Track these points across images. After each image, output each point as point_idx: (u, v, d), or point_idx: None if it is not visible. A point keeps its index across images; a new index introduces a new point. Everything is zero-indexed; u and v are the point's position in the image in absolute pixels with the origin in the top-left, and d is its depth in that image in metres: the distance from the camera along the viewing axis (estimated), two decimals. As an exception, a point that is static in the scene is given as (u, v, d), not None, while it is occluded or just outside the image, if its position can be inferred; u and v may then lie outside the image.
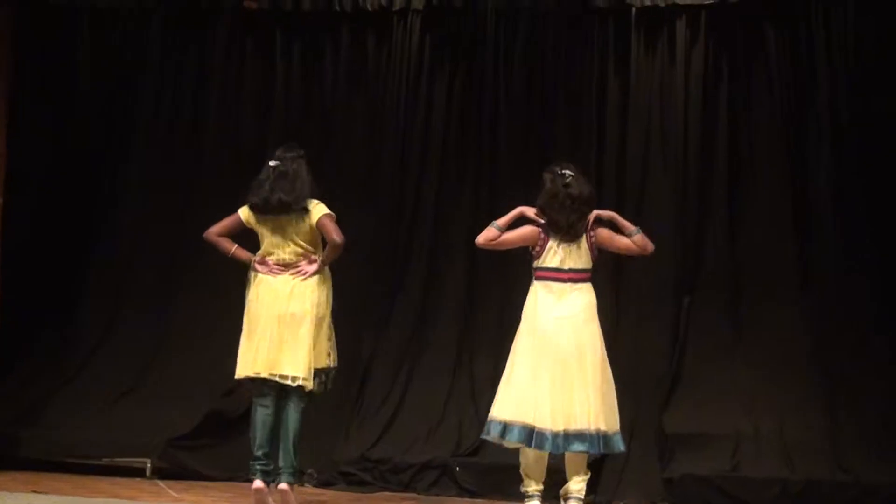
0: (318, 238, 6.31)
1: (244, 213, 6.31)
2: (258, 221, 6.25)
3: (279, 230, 6.22)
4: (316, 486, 7.33)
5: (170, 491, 6.59)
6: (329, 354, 6.26)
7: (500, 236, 5.94)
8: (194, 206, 8.52)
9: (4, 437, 7.55)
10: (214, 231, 6.37)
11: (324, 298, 6.26)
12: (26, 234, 8.61)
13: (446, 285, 8.21)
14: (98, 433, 7.62)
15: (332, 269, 6.44)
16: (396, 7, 8.37)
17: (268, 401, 6.10)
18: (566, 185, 5.85)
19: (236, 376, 6.24)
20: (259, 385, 6.11)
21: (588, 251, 5.84)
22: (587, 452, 5.57)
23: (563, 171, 5.87)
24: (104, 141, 8.76)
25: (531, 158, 8.21)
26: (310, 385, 6.06)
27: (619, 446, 5.59)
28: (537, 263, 5.89)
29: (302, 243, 6.24)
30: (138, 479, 7.18)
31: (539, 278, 5.88)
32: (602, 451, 5.58)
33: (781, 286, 7.78)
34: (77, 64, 8.79)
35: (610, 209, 7.92)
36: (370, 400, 7.92)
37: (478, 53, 8.34)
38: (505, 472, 6.85)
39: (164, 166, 8.69)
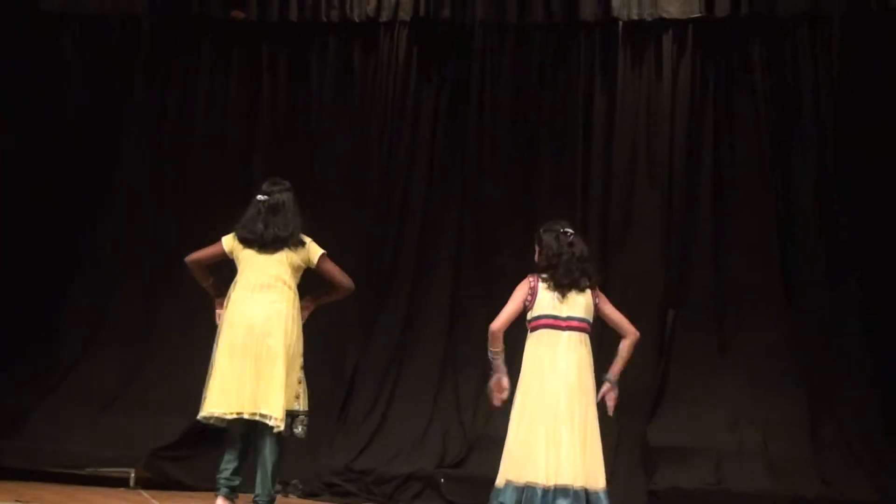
0: (301, 273, 6.21)
1: (228, 243, 6.15)
2: (244, 254, 6.09)
3: (267, 263, 6.07)
4: (300, 496, 7.32)
5: (153, 501, 6.57)
6: (298, 397, 6.04)
7: (501, 327, 5.73)
8: (179, 216, 8.52)
9: (-14, 446, 7.51)
10: (198, 259, 6.21)
11: (297, 337, 6.12)
12: (10, 245, 8.57)
13: (431, 297, 8.22)
14: (81, 444, 7.58)
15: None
16: (384, 18, 8.40)
17: (242, 427, 6.00)
18: (570, 245, 5.75)
19: (211, 412, 5.95)
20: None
21: (591, 305, 5.71)
22: None
23: (566, 230, 5.78)
24: (91, 150, 8.74)
25: (517, 171, 8.25)
26: (281, 426, 5.94)
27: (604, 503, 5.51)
28: (531, 314, 5.65)
29: (286, 277, 6.10)
30: (122, 490, 7.15)
31: (534, 329, 5.65)
32: None
33: (766, 301, 7.82)
34: (66, 70, 8.80)
35: (596, 224, 8.00)
36: (355, 410, 7.91)
37: (465, 65, 8.36)
38: (490, 485, 6.83)
39: (149, 176, 8.67)
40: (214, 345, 6.05)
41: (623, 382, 7.67)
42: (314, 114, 8.57)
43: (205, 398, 5.94)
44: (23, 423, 7.85)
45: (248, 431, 5.99)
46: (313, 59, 8.61)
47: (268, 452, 5.93)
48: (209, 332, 7.93)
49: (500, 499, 5.41)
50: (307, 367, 6.08)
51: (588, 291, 5.71)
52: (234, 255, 6.15)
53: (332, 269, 6.25)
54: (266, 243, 6.07)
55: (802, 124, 7.93)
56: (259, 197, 6.19)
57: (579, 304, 5.66)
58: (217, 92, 8.68)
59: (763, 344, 7.70)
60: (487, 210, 8.26)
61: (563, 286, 5.66)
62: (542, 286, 5.66)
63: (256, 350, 5.93)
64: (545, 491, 5.33)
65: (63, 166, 8.69)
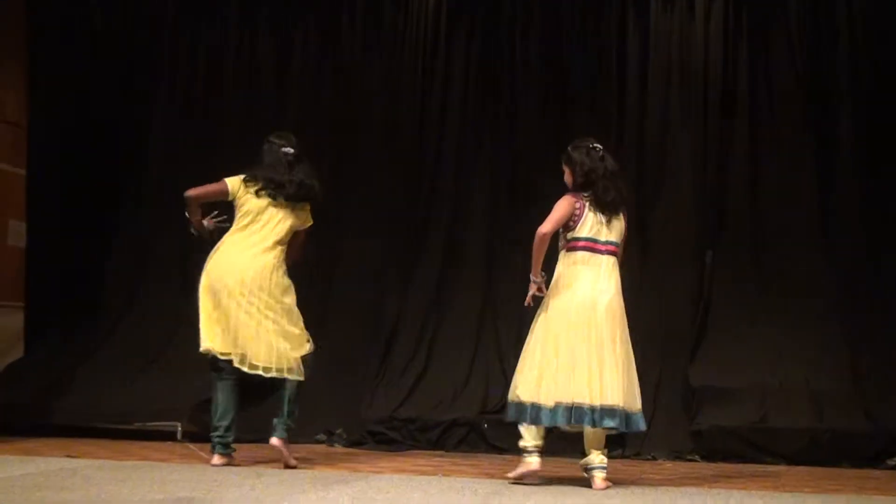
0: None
1: (235, 186, 6.08)
2: (255, 203, 6.03)
3: (275, 217, 6.05)
4: (345, 446, 7.38)
5: (200, 453, 6.62)
6: (309, 341, 6.12)
7: (550, 231, 5.57)
8: (213, 178, 8.53)
9: (36, 405, 7.62)
10: (198, 196, 6.11)
11: (288, 284, 6.12)
12: (50, 208, 8.66)
13: (468, 246, 8.23)
14: (128, 400, 7.67)
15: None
16: (412, -29, 8.35)
17: (233, 375, 6.06)
18: (602, 159, 5.70)
19: (216, 349, 6.04)
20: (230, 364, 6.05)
21: (623, 229, 5.68)
22: (615, 429, 5.48)
23: (594, 145, 5.71)
24: (123, 113, 8.77)
25: (550, 120, 8.23)
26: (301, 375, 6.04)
27: (641, 425, 5.50)
28: (572, 234, 5.55)
29: (285, 236, 6.09)
30: (169, 443, 7.24)
31: (573, 249, 5.56)
32: (626, 429, 5.47)
33: (803, 238, 7.79)
34: (95, 33, 8.79)
35: (632, 167, 7.97)
36: (396, 360, 7.96)
37: (495, 13, 8.29)
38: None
39: (182, 138, 8.70)
40: (200, 285, 6.08)
41: (662, 324, 7.77)
42: (345, 70, 8.54)
43: (208, 335, 6.03)
44: (71, 383, 7.95)
45: (240, 383, 6.05)
46: (343, 13, 8.56)
47: (290, 391, 6.04)
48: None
49: (551, 421, 5.38)
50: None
51: (623, 213, 5.67)
52: (240, 200, 6.08)
53: (304, 240, 6.28)
54: (290, 194, 6.05)
55: (838, 58, 7.84)
56: (284, 148, 6.13)
57: (616, 228, 5.62)
58: (246, 50, 8.67)
59: (802, 281, 7.68)
60: (521, 157, 8.24)
61: (605, 204, 5.58)
62: (586, 206, 5.58)
63: (251, 303, 5.94)
64: (592, 409, 5.34)
65: (96, 131, 8.73)
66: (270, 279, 6.02)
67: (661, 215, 7.93)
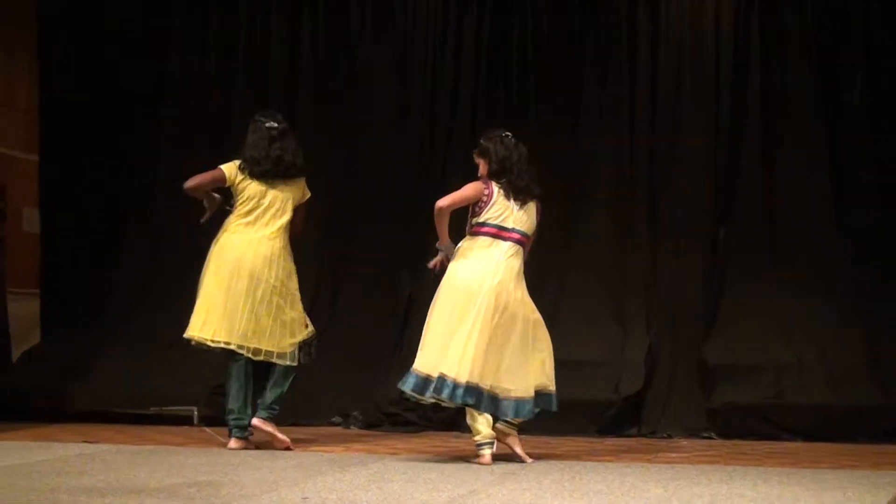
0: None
1: (231, 171, 6.10)
2: (250, 185, 6.05)
3: (274, 196, 6.08)
4: (361, 427, 7.39)
5: (217, 437, 6.67)
6: (307, 325, 6.19)
7: (442, 210, 5.58)
8: (226, 156, 8.53)
9: (53, 391, 7.65)
10: (198, 186, 6.10)
11: (292, 270, 6.19)
12: (63, 195, 8.69)
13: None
14: (144, 384, 7.70)
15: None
16: (422, -52, 8.32)
17: (243, 358, 6.08)
18: (516, 146, 5.71)
19: (218, 339, 6.06)
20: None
21: (534, 220, 5.67)
22: (471, 405, 5.49)
23: (506, 134, 5.73)
24: (134, 99, 8.76)
25: (563, 94, 8.19)
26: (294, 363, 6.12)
27: (522, 412, 5.51)
28: (477, 219, 5.57)
29: (288, 211, 6.14)
30: (186, 427, 7.28)
31: (476, 234, 5.58)
32: (481, 409, 5.48)
33: (817, 213, 7.76)
34: (103, 20, 8.84)
35: (644, 144, 7.96)
36: (411, 340, 7.91)
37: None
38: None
39: (194, 124, 8.70)
40: (205, 270, 6.15)
41: (676, 302, 7.77)
42: (355, 46, 8.52)
43: (203, 322, 6.07)
44: (87, 368, 7.97)
45: (254, 366, 6.10)
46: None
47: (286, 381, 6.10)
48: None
49: (403, 386, 5.49)
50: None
51: (535, 203, 5.67)
52: (239, 186, 6.10)
53: (305, 214, 6.32)
54: (279, 172, 6.07)
55: (851, 37, 7.79)
56: (267, 124, 6.13)
57: (527, 218, 5.64)
58: (257, 29, 8.65)
59: (816, 256, 7.66)
60: (534, 135, 8.20)
61: (519, 189, 5.61)
62: (497, 191, 5.60)
63: (258, 289, 6.01)
64: (454, 384, 5.35)
65: (108, 117, 8.74)
66: (279, 264, 6.04)
67: (672, 193, 7.91)
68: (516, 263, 5.61)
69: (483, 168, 5.75)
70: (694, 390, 7.50)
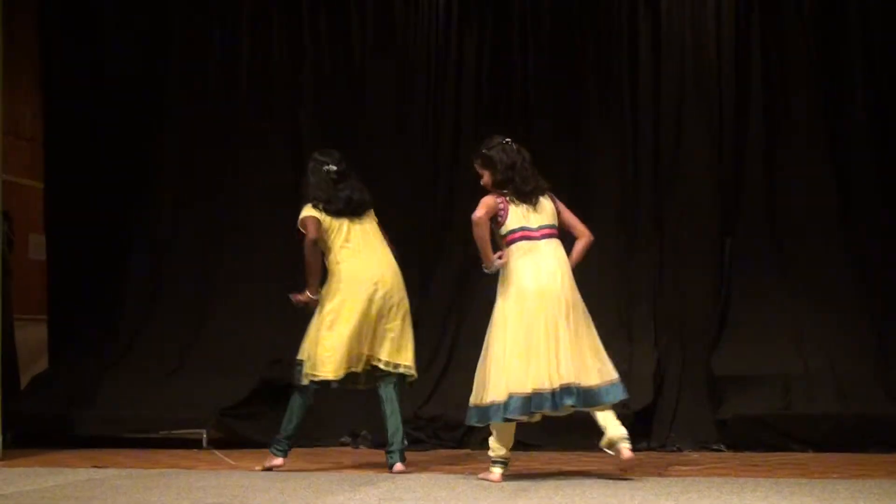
0: None
1: (314, 211, 6.07)
2: (337, 224, 6.07)
3: (364, 227, 6.15)
4: (370, 447, 7.37)
5: (227, 459, 6.66)
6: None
7: (480, 219, 5.51)
8: (231, 179, 8.60)
9: (61, 417, 7.65)
10: (316, 231, 6.02)
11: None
12: (68, 220, 8.71)
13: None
14: (153, 408, 7.69)
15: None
16: (423, -40, 8.36)
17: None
18: (518, 151, 5.70)
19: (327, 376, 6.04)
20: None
21: (554, 211, 5.66)
22: (574, 407, 5.46)
23: (506, 140, 5.70)
24: (137, 125, 8.77)
25: (565, 108, 8.21)
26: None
27: (603, 398, 5.45)
28: (504, 229, 5.56)
29: (381, 235, 6.25)
30: (195, 450, 7.26)
31: (510, 243, 5.56)
32: (583, 405, 5.44)
33: (822, 220, 7.76)
34: (107, 34, 8.83)
35: (647, 156, 7.97)
36: (418, 359, 7.92)
37: (506, 4, 8.29)
38: (558, 424, 6.86)
39: (197, 147, 8.72)
40: (329, 305, 6.03)
41: (683, 313, 7.76)
42: (357, 65, 8.54)
43: (320, 360, 5.98)
44: (95, 393, 7.96)
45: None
46: (353, 12, 8.57)
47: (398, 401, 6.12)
48: (266, 295, 8.10)
49: (507, 414, 5.38)
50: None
51: (548, 196, 5.66)
52: (325, 232, 6.10)
53: (388, 236, 6.40)
54: (350, 211, 6.14)
55: (852, 40, 7.80)
56: (326, 167, 6.18)
57: (546, 211, 5.62)
58: (259, 48, 8.67)
59: (823, 266, 7.65)
60: (537, 149, 8.20)
61: (526, 194, 5.60)
62: (508, 202, 5.58)
63: (382, 305, 6.05)
64: (552, 393, 5.34)
65: (111, 143, 8.75)
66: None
67: (677, 204, 7.91)
68: (562, 253, 5.61)
69: (487, 178, 5.71)
70: (703, 402, 7.48)
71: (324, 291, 6.07)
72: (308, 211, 6.10)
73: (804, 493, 4.88)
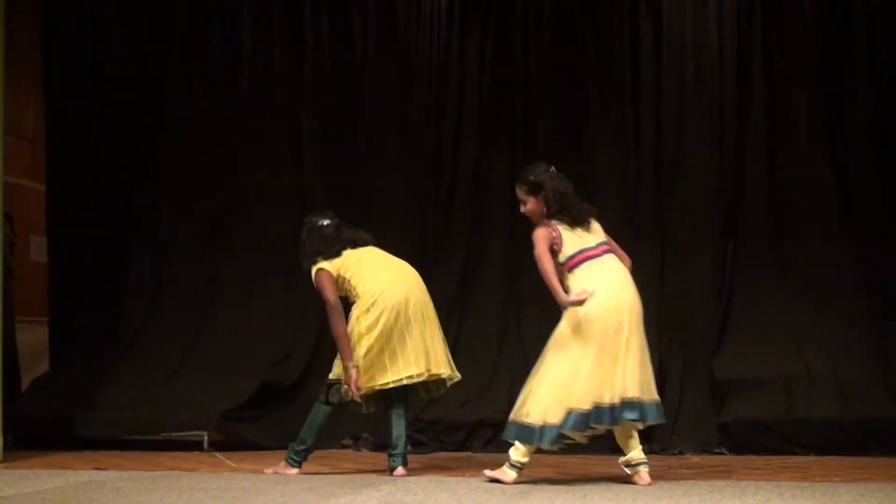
0: None
1: (330, 267, 6.01)
2: (353, 263, 6.03)
3: (364, 251, 6.14)
4: (372, 449, 7.37)
5: (228, 462, 6.65)
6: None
7: (542, 255, 5.43)
8: (231, 181, 8.60)
9: (62, 419, 7.64)
10: (336, 293, 5.98)
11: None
12: (70, 223, 8.71)
13: (488, 244, 8.22)
14: (153, 411, 7.68)
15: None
16: (424, -35, 8.36)
17: None
18: (564, 179, 5.61)
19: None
20: None
21: (600, 228, 5.62)
22: (636, 420, 5.44)
23: (551, 169, 5.65)
24: (139, 127, 8.78)
25: (567, 111, 8.21)
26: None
27: (659, 417, 5.44)
28: (563, 257, 5.49)
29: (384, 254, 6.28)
30: (196, 452, 7.26)
31: (572, 268, 5.49)
32: (642, 418, 5.42)
33: (823, 222, 7.77)
34: (108, 36, 8.83)
35: (649, 159, 7.96)
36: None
37: (507, 8, 8.29)
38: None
39: (199, 148, 8.72)
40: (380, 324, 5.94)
41: (684, 316, 7.75)
42: (358, 65, 8.54)
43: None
44: (96, 395, 7.97)
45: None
46: (355, 12, 8.57)
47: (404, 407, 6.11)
48: (268, 294, 8.10)
49: (564, 429, 5.34)
50: None
51: (591, 221, 5.63)
52: (342, 274, 6.03)
53: None
54: (356, 244, 6.13)
55: (854, 41, 7.81)
56: (321, 222, 6.15)
57: (596, 230, 5.60)
58: (261, 51, 8.68)
59: (824, 266, 7.65)
60: (539, 153, 8.21)
61: (577, 220, 5.54)
62: (562, 230, 5.51)
63: (425, 317, 6.05)
64: (612, 407, 5.32)
65: (113, 145, 8.75)
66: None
67: (679, 205, 7.91)
68: (621, 266, 5.58)
69: (532, 205, 5.60)
70: (704, 406, 7.47)
71: (358, 313, 5.95)
72: (317, 267, 6.01)
73: (806, 496, 4.88)
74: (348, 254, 6.08)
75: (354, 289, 5.99)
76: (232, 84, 8.69)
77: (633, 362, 5.38)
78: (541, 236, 5.50)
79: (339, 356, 5.94)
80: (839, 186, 7.76)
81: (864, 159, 7.75)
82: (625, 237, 7.94)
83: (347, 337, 5.90)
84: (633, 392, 5.36)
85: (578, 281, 5.47)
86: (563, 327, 5.48)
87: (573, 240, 5.52)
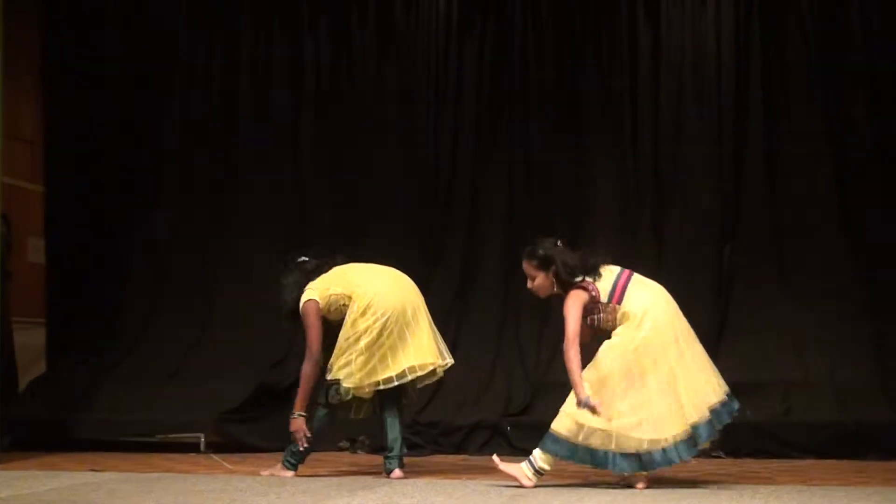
0: None
1: (318, 302, 5.90)
2: (342, 286, 5.91)
3: (354, 268, 6.08)
4: (368, 452, 7.36)
5: (224, 464, 6.64)
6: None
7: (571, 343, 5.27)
8: (231, 184, 8.61)
9: (59, 421, 7.63)
10: (319, 348, 5.89)
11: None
12: (67, 224, 8.71)
13: (486, 246, 8.23)
14: (150, 412, 7.68)
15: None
16: (423, -31, 8.36)
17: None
18: (572, 252, 5.47)
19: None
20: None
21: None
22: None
23: (559, 243, 5.47)
24: (138, 128, 8.79)
25: (565, 115, 8.21)
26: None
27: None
28: (604, 301, 5.36)
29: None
30: (193, 454, 7.25)
31: (619, 300, 5.36)
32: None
33: (823, 227, 7.77)
34: (106, 42, 8.85)
35: (648, 163, 7.94)
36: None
37: (506, 11, 8.30)
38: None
39: (199, 150, 8.73)
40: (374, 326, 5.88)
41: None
42: (358, 72, 8.54)
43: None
44: (93, 396, 7.97)
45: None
46: (354, 17, 8.57)
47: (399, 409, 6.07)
48: (265, 299, 8.06)
49: (699, 444, 5.29)
50: None
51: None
52: (331, 293, 5.94)
53: None
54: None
55: (853, 45, 7.82)
56: (301, 259, 6.11)
57: (611, 267, 5.51)
58: (259, 57, 8.68)
59: (823, 271, 7.66)
60: (537, 157, 8.24)
61: (593, 269, 5.44)
62: (589, 284, 5.41)
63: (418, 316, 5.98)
64: (697, 426, 5.29)
65: (112, 146, 8.77)
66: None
67: (677, 211, 7.91)
68: (652, 282, 5.56)
69: (542, 279, 5.48)
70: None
71: (354, 317, 5.89)
72: (306, 299, 5.90)
73: (804, 500, 4.87)
74: (330, 273, 6.02)
75: (346, 297, 5.94)
76: (231, 85, 8.69)
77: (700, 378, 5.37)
78: (574, 303, 5.34)
79: (333, 358, 5.91)
80: (838, 189, 7.77)
81: (862, 162, 7.76)
82: (623, 239, 8.01)
83: (310, 383, 5.87)
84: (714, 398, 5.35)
85: (632, 304, 5.39)
86: (627, 347, 5.35)
87: (605, 284, 5.41)
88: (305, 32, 8.63)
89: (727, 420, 5.42)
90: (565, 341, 5.30)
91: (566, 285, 5.45)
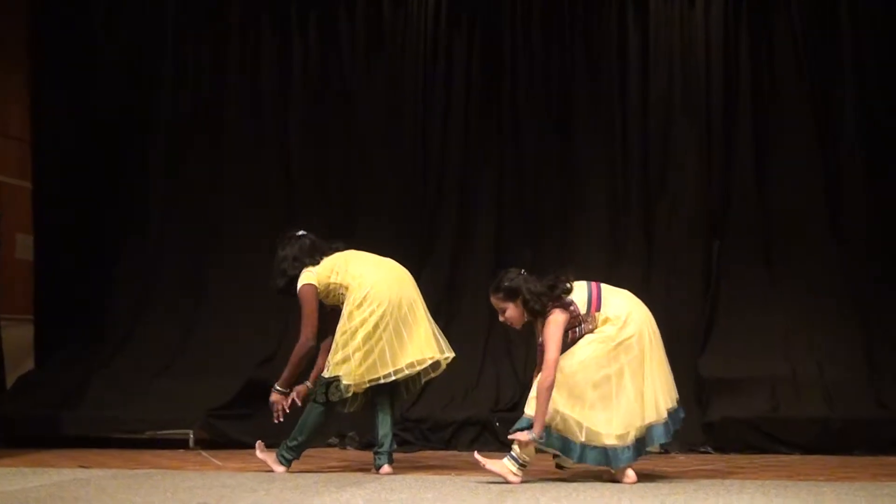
0: None
1: (315, 280, 5.92)
2: (339, 270, 5.94)
3: (355, 257, 6.06)
4: (358, 448, 7.37)
5: (213, 460, 6.64)
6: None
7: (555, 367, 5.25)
8: (220, 182, 8.60)
9: (48, 418, 7.62)
10: (315, 329, 5.91)
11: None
12: (56, 220, 8.69)
13: (475, 243, 8.24)
14: (139, 409, 7.67)
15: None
16: (411, -33, 8.37)
17: None
18: (535, 279, 5.46)
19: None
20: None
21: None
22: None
23: (522, 272, 5.47)
24: (126, 124, 8.77)
25: (554, 112, 8.22)
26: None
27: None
28: (584, 306, 5.40)
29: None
30: (182, 451, 7.25)
31: (599, 305, 5.42)
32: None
33: (811, 226, 7.81)
34: (94, 39, 8.83)
35: (636, 160, 7.97)
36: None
37: (495, 9, 8.30)
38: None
39: (186, 146, 8.72)
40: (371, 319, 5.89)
41: (672, 316, 7.75)
42: (346, 71, 8.54)
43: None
44: (82, 393, 7.96)
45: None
46: (342, 15, 8.56)
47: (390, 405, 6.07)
48: (254, 296, 8.10)
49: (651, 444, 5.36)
50: None
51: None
52: (330, 281, 5.95)
53: None
54: (337, 247, 6.10)
55: (842, 48, 7.83)
56: (299, 233, 6.13)
57: (580, 283, 5.53)
58: (248, 51, 8.67)
59: (811, 269, 7.70)
60: (526, 153, 8.25)
61: (567, 288, 5.45)
62: (571, 301, 5.41)
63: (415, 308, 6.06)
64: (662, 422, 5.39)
65: (100, 143, 8.75)
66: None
67: (666, 207, 7.93)
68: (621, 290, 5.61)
69: (512, 310, 5.47)
70: (690, 405, 7.45)
71: (351, 308, 5.89)
72: (303, 282, 5.90)
73: (790, 495, 4.89)
74: (331, 258, 6.04)
75: (344, 287, 5.96)
76: (220, 84, 8.68)
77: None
78: (557, 326, 5.32)
79: (331, 354, 5.91)
80: (827, 190, 7.80)
81: (851, 164, 7.79)
82: (612, 239, 8.03)
83: (300, 365, 5.92)
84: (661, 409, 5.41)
85: (612, 308, 5.46)
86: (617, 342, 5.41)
87: (577, 293, 5.45)
88: (293, 31, 8.62)
89: (677, 426, 5.47)
90: (545, 369, 5.24)
91: (535, 313, 5.46)
